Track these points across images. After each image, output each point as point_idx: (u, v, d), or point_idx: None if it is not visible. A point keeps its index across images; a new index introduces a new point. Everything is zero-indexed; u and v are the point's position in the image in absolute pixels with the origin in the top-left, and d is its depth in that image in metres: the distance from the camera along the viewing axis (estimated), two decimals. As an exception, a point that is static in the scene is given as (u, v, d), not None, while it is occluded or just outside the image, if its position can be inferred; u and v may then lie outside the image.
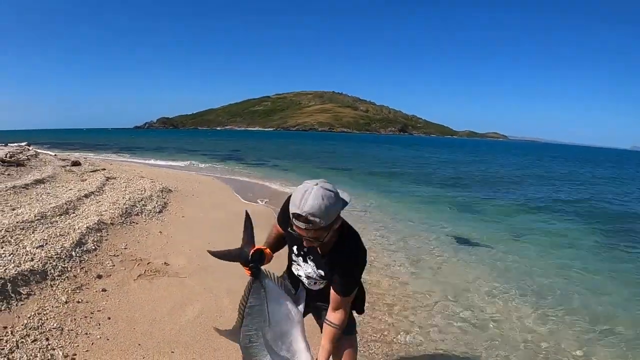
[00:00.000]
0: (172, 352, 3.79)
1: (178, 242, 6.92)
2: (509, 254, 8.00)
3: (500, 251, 8.24)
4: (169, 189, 11.52)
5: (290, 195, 2.13)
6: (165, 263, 5.91)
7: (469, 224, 10.66)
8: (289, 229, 2.16)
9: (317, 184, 1.99)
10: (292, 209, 1.98)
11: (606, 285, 6.68)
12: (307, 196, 1.96)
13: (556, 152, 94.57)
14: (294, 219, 2.00)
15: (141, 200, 9.30)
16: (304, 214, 1.94)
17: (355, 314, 2.71)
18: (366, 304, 2.75)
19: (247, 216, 2.57)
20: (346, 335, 2.65)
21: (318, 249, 2.29)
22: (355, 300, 2.49)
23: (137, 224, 7.68)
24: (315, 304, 2.65)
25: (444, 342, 4.61)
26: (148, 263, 5.84)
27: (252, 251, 2.43)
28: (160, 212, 8.87)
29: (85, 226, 6.53)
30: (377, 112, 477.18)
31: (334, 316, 2.39)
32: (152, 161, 25.87)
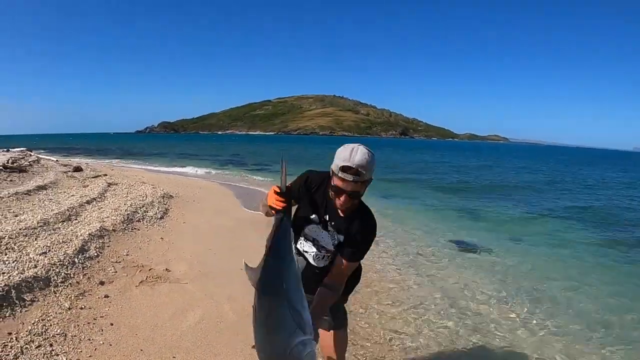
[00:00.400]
0: (174, 357, 3.85)
1: (179, 248, 6.99)
2: (522, 262, 7.99)
3: (509, 259, 8.21)
4: (170, 195, 11.58)
5: (308, 171, 2.52)
6: (166, 269, 5.97)
7: (479, 234, 10.46)
8: (315, 193, 2.49)
9: (359, 144, 2.25)
10: (341, 163, 2.19)
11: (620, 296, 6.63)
12: (356, 151, 2.20)
13: (560, 155, 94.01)
14: (341, 172, 2.19)
15: (142, 206, 9.37)
16: (354, 166, 2.16)
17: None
18: (361, 310, 2.86)
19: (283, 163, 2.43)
20: (337, 329, 2.75)
21: (340, 212, 2.42)
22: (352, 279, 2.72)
23: (138, 230, 7.75)
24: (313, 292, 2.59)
25: (441, 346, 4.66)
26: (150, 269, 5.90)
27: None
28: (161, 218, 8.93)
29: (87, 233, 6.60)
30: (378, 115, 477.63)
31: (331, 278, 2.50)
32: (153, 166, 25.95)
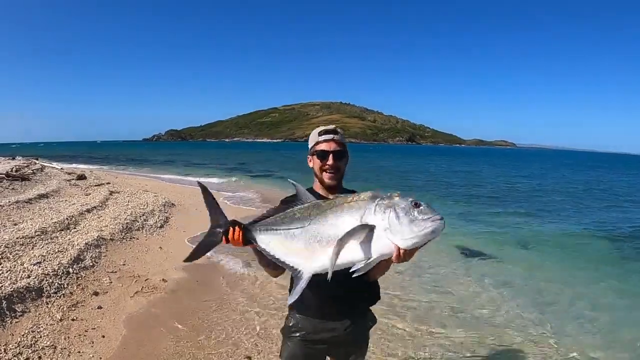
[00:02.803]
0: (164, 371, 3.79)
1: (178, 258, 6.89)
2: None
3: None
4: (172, 203, 11.55)
5: (285, 197, 2.33)
6: (163, 279, 5.91)
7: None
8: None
9: None
10: (318, 130, 2.31)
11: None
12: (319, 121, 2.16)
13: (571, 160, 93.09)
14: (322, 136, 2.27)
15: (143, 215, 9.33)
16: (331, 127, 2.31)
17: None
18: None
19: (204, 188, 2.15)
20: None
21: (329, 193, 2.30)
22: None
23: (137, 239, 7.70)
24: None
25: (445, 354, 4.56)
26: (146, 280, 5.84)
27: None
28: (161, 227, 8.89)
29: (84, 242, 6.55)
30: (384, 121, 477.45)
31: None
32: (158, 174, 25.94)
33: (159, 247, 7.46)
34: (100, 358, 3.87)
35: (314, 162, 2.31)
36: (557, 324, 5.50)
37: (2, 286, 4.55)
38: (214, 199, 2.10)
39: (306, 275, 1.82)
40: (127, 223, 8.32)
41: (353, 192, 2.28)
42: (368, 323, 2.44)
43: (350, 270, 1.75)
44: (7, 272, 5.00)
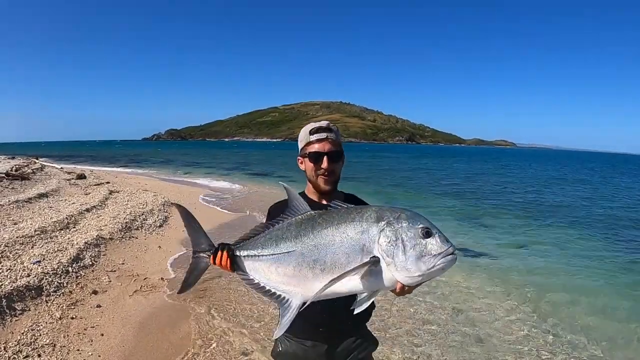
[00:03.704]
0: (162, 369, 3.83)
1: (177, 257, 6.96)
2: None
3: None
4: (171, 202, 11.58)
5: (274, 204, 2.15)
6: (161, 278, 5.95)
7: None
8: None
9: None
10: (309, 129, 2.03)
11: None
12: (317, 121, 2.07)
13: (575, 159, 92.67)
14: (314, 135, 2.00)
15: (142, 214, 9.37)
16: (324, 124, 2.02)
17: None
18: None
19: (182, 209, 1.97)
20: None
21: (323, 199, 2.07)
22: None
23: (136, 238, 7.74)
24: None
25: (443, 355, 4.59)
26: (145, 279, 5.88)
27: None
28: (160, 226, 8.93)
29: (83, 241, 6.59)
30: (384, 121, 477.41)
31: None
32: (157, 174, 25.97)
33: (158, 246, 7.50)
34: (99, 356, 3.91)
35: (305, 165, 2.04)
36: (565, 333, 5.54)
37: (2, 285, 4.60)
38: (196, 221, 1.92)
39: (295, 304, 1.62)
40: (126, 222, 8.36)
41: (351, 196, 2.14)
42: (370, 347, 2.18)
43: (351, 308, 1.59)
44: (7, 270, 5.04)
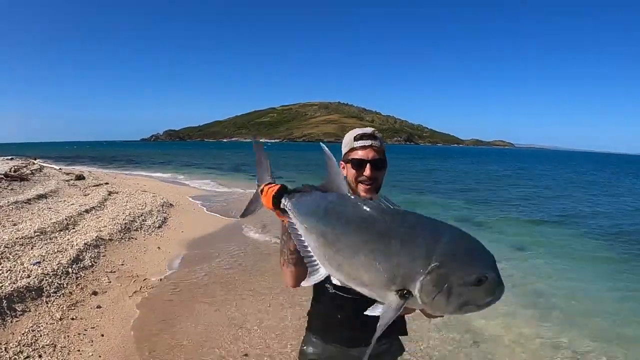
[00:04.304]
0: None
1: (176, 258, 6.98)
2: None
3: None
4: (170, 203, 11.61)
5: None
6: (161, 279, 5.97)
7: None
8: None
9: None
10: (354, 134, 1.98)
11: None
12: (362, 127, 2.03)
13: (575, 160, 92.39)
14: (358, 142, 1.95)
15: (141, 215, 9.38)
16: (369, 131, 1.98)
17: None
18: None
19: (258, 145, 1.97)
20: None
21: None
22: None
23: (135, 239, 7.76)
24: None
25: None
26: (144, 279, 5.90)
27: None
28: (159, 227, 8.94)
29: (83, 242, 6.61)
30: (383, 122, 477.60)
31: None
32: (156, 175, 25.95)
33: (157, 247, 7.52)
34: (100, 356, 3.93)
35: (347, 171, 1.98)
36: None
37: (2, 286, 4.62)
38: (266, 159, 1.91)
39: (322, 273, 1.49)
40: (125, 223, 8.38)
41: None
42: (397, 352, 2.14)
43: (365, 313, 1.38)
44: (7, 272, 5.06)
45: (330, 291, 1.92)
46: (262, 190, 1.76)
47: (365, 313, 1.37)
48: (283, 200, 1.66)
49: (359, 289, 1.36)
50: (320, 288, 1.96)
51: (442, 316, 1.51)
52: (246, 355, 4.16)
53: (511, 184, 27.67)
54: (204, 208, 12.23)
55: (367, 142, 1.94)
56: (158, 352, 4.10)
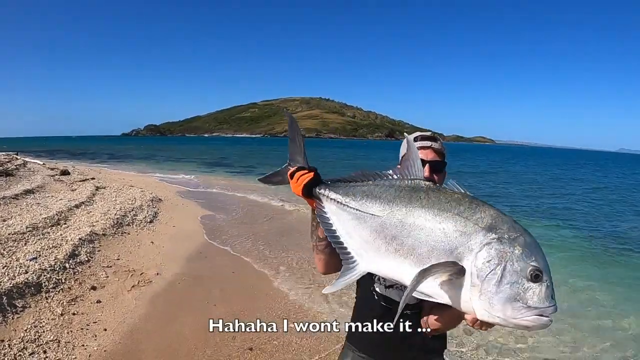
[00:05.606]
0: (169, 362, 3.85)
1: (170, 252, 6.96)
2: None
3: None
4: (159, 198, 11.54)
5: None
6: (157, 273, 5.95)
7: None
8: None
9: None
10: (413, 136, 1.93)
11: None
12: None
13: (552, 157, 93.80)
14: (417, 143, 1.88)
15: (132, 210, 9.32)
16: (429, 133, 1.95)
17: None
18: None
19: (291, 119, 1.78)
20: None
21: None
22: None
23: (128, 234, 7.71)
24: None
25: None
26: (141, 274, 5.88)
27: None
28: (151, 222, 8.90)
29: (77, 237, 6.56)
30: (364, 117, 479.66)
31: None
32: (141, 170, 25.68)
33: (150, 241, 7.48)
34: (105, 350, 3.92)
35: None
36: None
37: (0, 282, 4.56)
38: (299, 137, 1.74)
39: (359, 270, 1.44)
40: (117, 218, 8.31)
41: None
42: None
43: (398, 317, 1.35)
44: (3, 268, 5.00)
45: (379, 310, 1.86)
46: (292, 174, 1.64)
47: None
48: (318, 189, 1.60)
49: (411, 269, 1.31)
50: (368, 301, 1.92)
51: (488, 328, 1.35)
52: (250, 349, 4.19)
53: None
54: (193, 203, 12.17)
55: (427, 143, 1.90)
56: (161, 345, 4.11)
